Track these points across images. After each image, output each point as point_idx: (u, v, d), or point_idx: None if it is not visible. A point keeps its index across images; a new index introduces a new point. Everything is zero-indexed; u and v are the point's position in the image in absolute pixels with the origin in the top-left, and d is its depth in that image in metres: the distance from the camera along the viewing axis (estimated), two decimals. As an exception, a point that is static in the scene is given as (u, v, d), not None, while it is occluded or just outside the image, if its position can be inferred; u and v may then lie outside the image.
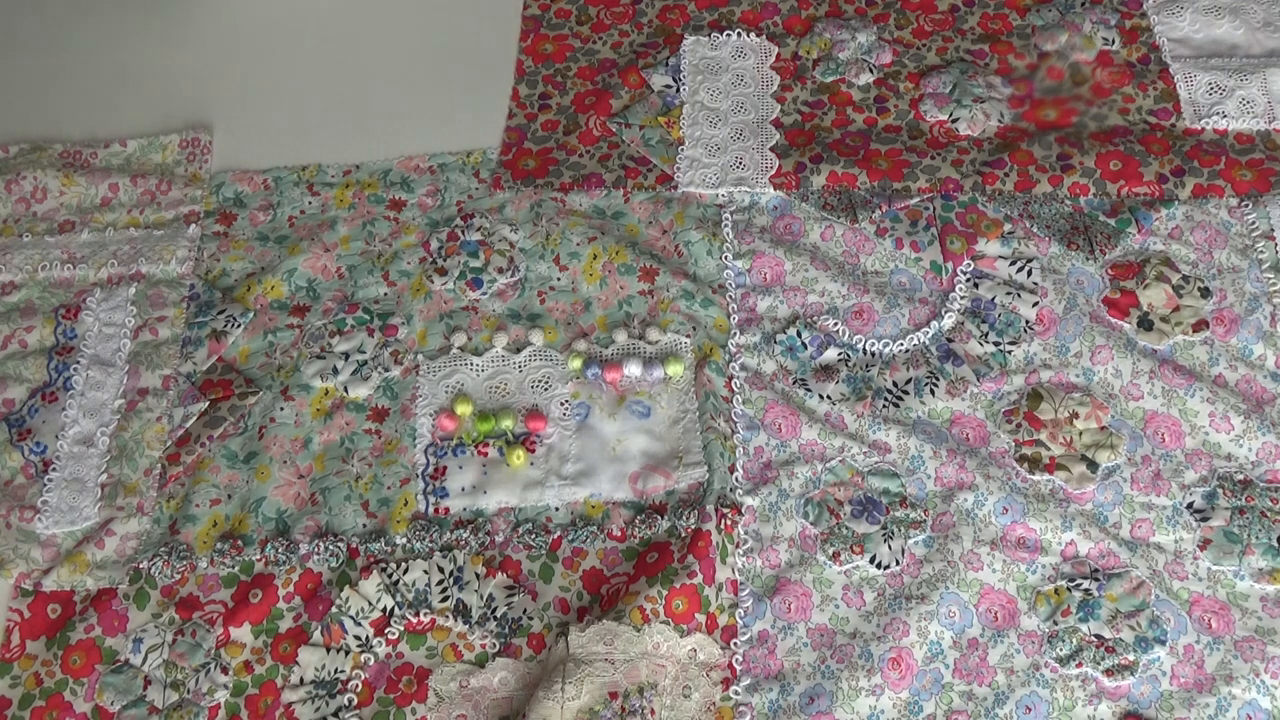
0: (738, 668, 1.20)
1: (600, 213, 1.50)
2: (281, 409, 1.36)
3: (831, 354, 1.38)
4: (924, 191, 1.47)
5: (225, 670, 1.22)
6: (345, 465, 1.33)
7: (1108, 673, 1.18)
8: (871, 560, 1.25)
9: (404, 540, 1.27)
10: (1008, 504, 1.27)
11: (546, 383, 1.38)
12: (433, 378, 1.38)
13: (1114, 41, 1.59)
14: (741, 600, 1.23)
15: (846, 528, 1.26)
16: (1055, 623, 1.21)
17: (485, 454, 1.33)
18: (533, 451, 1.33)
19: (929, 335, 1.38)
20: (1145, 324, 1.37)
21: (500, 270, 1.45)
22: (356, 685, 1.21)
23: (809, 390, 1.35)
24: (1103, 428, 1.31)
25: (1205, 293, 1.39)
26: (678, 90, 1.58)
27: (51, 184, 1.53)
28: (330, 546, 1.27)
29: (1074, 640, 1.19)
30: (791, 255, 1.44)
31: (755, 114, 1.56)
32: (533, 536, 1.28)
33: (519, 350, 1.40)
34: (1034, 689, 1.18)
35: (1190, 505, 1.27)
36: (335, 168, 1.56)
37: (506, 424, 1.35)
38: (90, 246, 1.49)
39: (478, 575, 1.25)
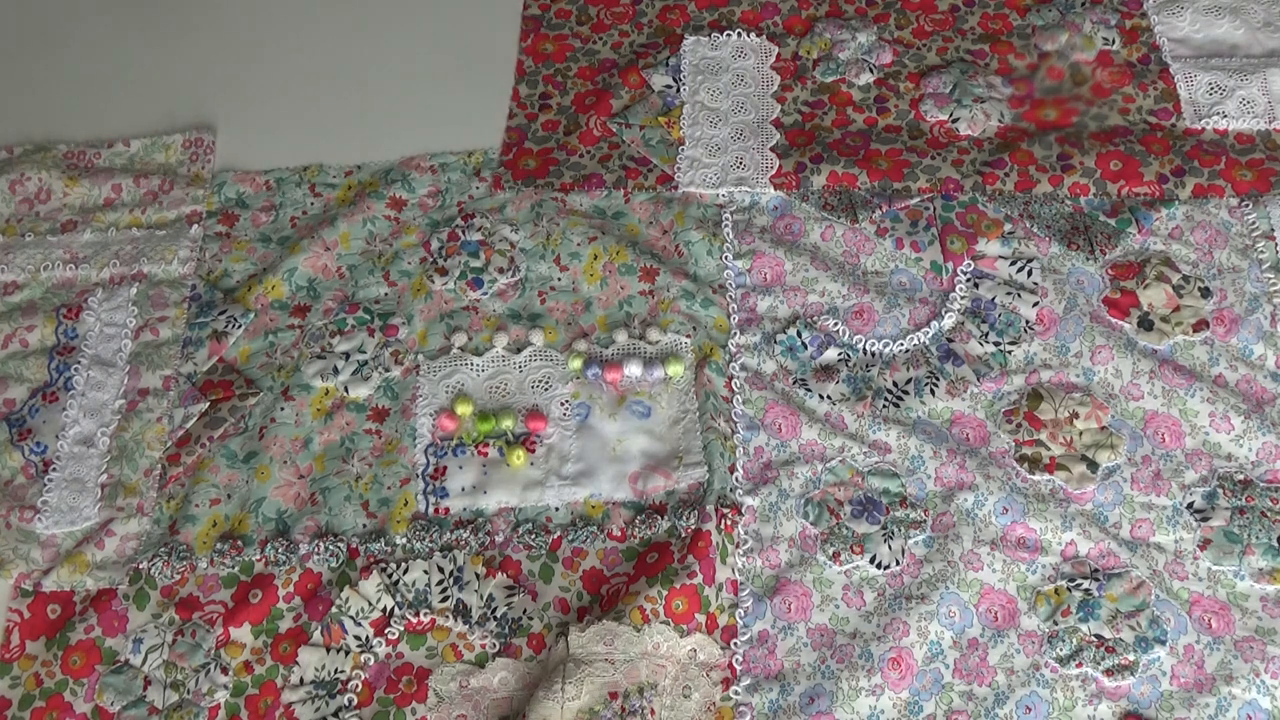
0: (738, 668, 1.20)
1: (601, 213, 1.50)
2: (282, 409, 1.36)
3: (831, 354, 1.38)
4: (924, 191, 1.47)
5: (225, 670, 1.22)
6: (345, 465, 1.33)
7: (1108, 673, 1.18)
8: (871, 560, 1.25)
9: (404, 540, 1.28)
10: (1008, 504, 1.27)
11: (547, 383, 1.38)
12: (433, 378, 1.38)
13: (1114, 41, 1.59)
14: (741, 600, 1.23)
15: (846, 528, 1.26)
16: (1055, 623, 1.21)
17: (485, 454, 1.33)
18: (533, 451, 1.33)
19: (929, 335, 1.38)
20: (1145, 324, 1.37)
21: (501, 270, 1.45)
22: (356, 685, 1.21)
23: (809, 390, 1.35)
24: (1103, 428, 1.31)
25: (1205, 293, 1.39)
26: (678, 90, 1.58)
27: (55, 185, 1.53)
28: (330, 546, 1.27)
29: (1074, 640, 1.19)
30: (791, 255, 1.44)
31: (755, 114, 1.56)
32: (533, 536, 1.28)
33: (519, 350, 1.40)
34: (1034, 689, 1.18)
35: (1190, 505, 1.27)
36: (336, 168, 1.56)
37: (507, 424, 1.35)
38: (92, 246, 1.49)
39: (478, 575, 1.25)
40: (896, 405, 1.34)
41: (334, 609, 1.24)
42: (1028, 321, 1.38)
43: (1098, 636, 1.19)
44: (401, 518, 1.29)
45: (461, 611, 1.24)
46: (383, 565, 1.26)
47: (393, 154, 1.57)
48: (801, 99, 1.58)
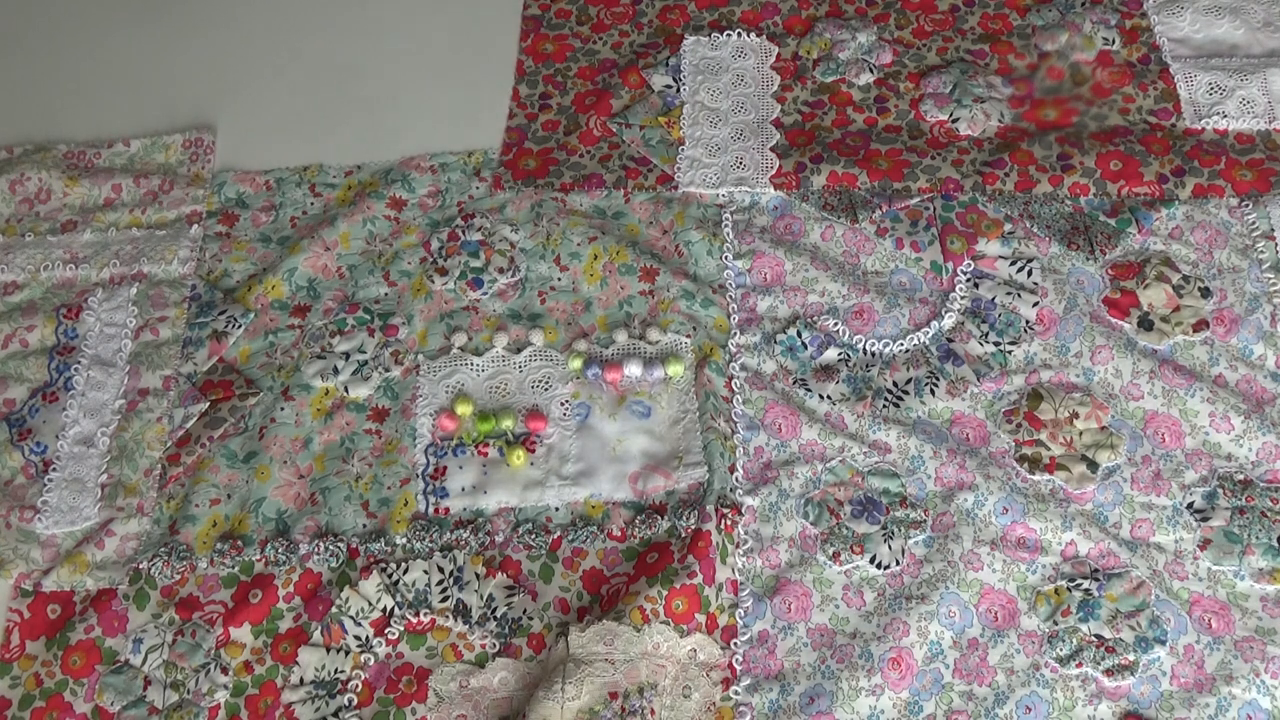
0: (738, 668, 1.20)
1: (601, 213, 1.50)
2: (282, 409, 1.36)
3: (831, 354, 1.38)
4: (924, 191, 1.47)
5: (225, 670, 1.22)
6: (345, 465, 1.33)
7: (1108, 673, 1.18)
8: (871, 560, 1.25)
9: (404, 540, 1.28)
10: (1008, 504, 1.26)
11: (547, 383, 1.38)
12: (433, 378, 1.38)
13: (1114, 41, 1.59)
14: (741, 600, 1.23)
15: (846, 528, 1.26)
16: (1055, 623, 1.21)
17: (485, 454, 1.33)
18: (533, 451, 1.33)
19: (929, 335, 1.38)
20: (1145, 324, 1.37)
21: (501, 270, 1.45)
22: (356, 685, 1.21)
23: (809, 390, 1.35)
24: (1103, 428, 1.31)
25: (1205, 293, 1.39)
26: (678, 90, 1.58)
27: (55, 185, 1.53)
28: (330, 546, 1.27)
29: (1074, 640, 1.19)
30: (791, 255, 1.44)
31: (755, 114, 1.56)
32: (533, 536, 1.28)
33: (519, 350, 1.40)
34: (1034, 689, 1.18)
35: (1190, 505, 1.27)
36: (336, 168, 1.56)
37: (507, 424, 1.35)
38: (92, 246, 1.49)
39: (478, 575, 1.25)
40: (896, 405, 1.34)
41: (334, 609, 1.24)
42: (1028, 321, 1.38)
43: (1098, 636, 1.19)
44: (401, 518, 1.29)
45: (461, 611, 1.24)
46: (383, 565, 1.26)
47: (393, 154, 1.57)
48: (801, 99, 1.58)
